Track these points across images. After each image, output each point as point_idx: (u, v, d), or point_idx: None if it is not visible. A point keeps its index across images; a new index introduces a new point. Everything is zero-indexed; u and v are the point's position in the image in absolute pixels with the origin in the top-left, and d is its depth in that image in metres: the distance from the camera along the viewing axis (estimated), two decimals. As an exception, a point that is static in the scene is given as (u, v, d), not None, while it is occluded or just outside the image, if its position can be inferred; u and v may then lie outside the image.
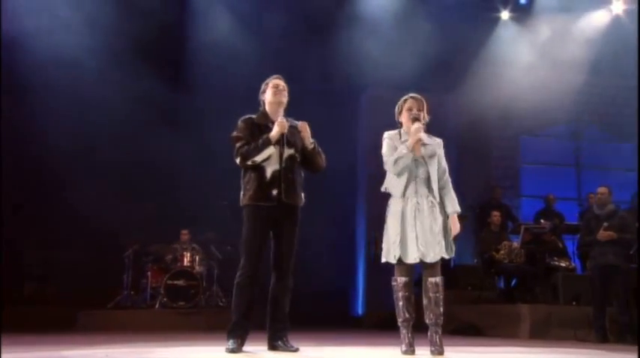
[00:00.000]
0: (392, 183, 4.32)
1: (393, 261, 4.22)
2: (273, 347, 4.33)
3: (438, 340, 4.19)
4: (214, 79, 10.75)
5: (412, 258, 4.17)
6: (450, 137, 12.47)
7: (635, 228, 7.37)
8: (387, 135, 4.42)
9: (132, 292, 9.60)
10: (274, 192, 4.29)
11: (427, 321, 4.27)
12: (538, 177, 11.48)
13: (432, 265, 4.20)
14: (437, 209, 4.23)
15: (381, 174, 4.44)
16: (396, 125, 4.46)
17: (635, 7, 11.61)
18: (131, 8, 9.61)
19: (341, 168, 11.82)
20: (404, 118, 4.40)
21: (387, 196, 4.36)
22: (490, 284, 8.55)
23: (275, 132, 4.30)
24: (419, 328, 4.37)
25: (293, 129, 4.43)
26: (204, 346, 5.07)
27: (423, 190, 4.25)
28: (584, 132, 12.02)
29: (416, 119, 4.31)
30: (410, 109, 4.37)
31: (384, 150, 4.36)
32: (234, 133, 4.44)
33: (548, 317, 7.25)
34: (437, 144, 4.41)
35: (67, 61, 9.26)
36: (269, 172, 4.31)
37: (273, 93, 4.45)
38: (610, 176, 12.13)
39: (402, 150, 4.23)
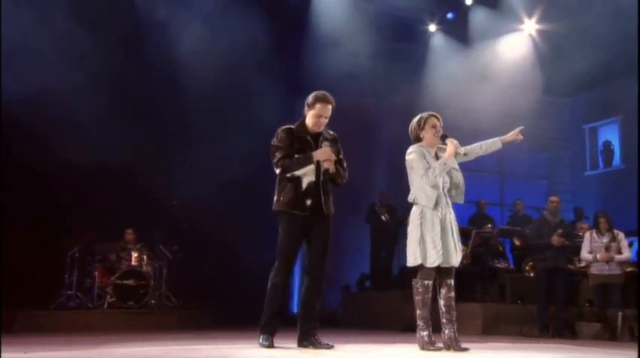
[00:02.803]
0: (423, 195, 4.72)
1: (432, 265, 4.65)
2: (304, 345, 4.63)
3: (456, 336, 4.68)
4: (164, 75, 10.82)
5: (451, 263, 4.69)
6: (384, 143, 13.36)
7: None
8: (414, 149, 4.85)
9: (77, 292, 9.48)
10: (308, 202, 4.62)
11: (444, 320, 4.72)
12: (466, 184, 12.43)
13: (452, 268, 4.75)
14: (455, 218, 4.82)
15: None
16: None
17: (547, 27, 12.98)
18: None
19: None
20: (428, 134, 4.88)
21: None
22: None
23: (318, 157, 4.60)
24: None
25: (330, 142, 4.75)
26: (188, 345, 5.16)
27: (447, 200, 4.79)
28: (510, 144, 13.12)
29: (445, 136, 4.84)
30: (434, 126, 4.87)
31: (417, 163, 4.77)
32: (275, 142, 4.69)
33: (497, 315, 8.10)
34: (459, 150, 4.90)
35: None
36: (305, 183, 4.63)
37: (314, 123, 4.71)
38: (530, 184, 13.47)
39: (443, 164, 4.72)
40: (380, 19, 12.05)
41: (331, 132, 4.86)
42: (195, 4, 10.63)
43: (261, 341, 4.60)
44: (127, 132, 10.40)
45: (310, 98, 4.75)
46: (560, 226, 8.10)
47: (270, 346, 4.55)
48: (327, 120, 4.75)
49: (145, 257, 9.76)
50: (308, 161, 4.61)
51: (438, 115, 4.96)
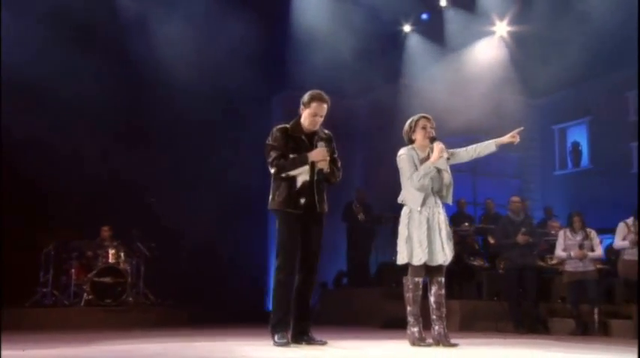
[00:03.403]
0: (410, 197, 4.89)
1: (418, 263, 4.81)
2: (297, 341, 4.70)
3: (445, 333, 4.87)
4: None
5: (437, 261, 4.83)
6: (360, 142, 13.56)
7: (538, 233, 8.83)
8: (404, 151, 4.97)
9: (53, 290, 9.42)
10: (302, 200, 4.68)
11: (434, 316, 4.91)
12: (441, 183, 12.70)
13: (442, 267, 4.91)
14: (446, 218, 4.97)
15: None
16: None
17: (518, 29, 13.32)
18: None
19: (256, 166, 12.32)
20: (418, 135, 5.00)
21: None
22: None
23: (313, 158, 4.65)
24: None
25: (325, 141, 4.79)
26: (183, 342, 5.19)
27: (438, 201, 4.92)
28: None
29: (434, 138, 4.94)
30: (424, 127, 4.98)
31: (405, 165, 4.90)
32: (270, 142, 4.73)
33: (475, 311, 8.35)
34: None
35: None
36: (299, 182, 4.70)
37: (310, 122, 4.76)
38: (501, 183, 13.81)
39: (429, 166, 4.82)
40: (355, 19, 12.23)
41: (326, 131, 4.90)
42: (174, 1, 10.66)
43: (276, 340, 4.55)
44: (104, 128, 10.38)
45: (306, 97, 4.79)
46: (524, 225, 8.38)
47: (288, 344, 4.52)
48: (322, 119, 4.79)
49: (122, 254, 9.76)
50: (303, 162, 4.67)
51: (428, 116, 5.06)
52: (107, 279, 9.36)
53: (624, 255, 7.82)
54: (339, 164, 4.94)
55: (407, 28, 13.65)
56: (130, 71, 10.71)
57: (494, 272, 8.94)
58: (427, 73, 13.14)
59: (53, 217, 10.01)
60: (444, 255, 4.86)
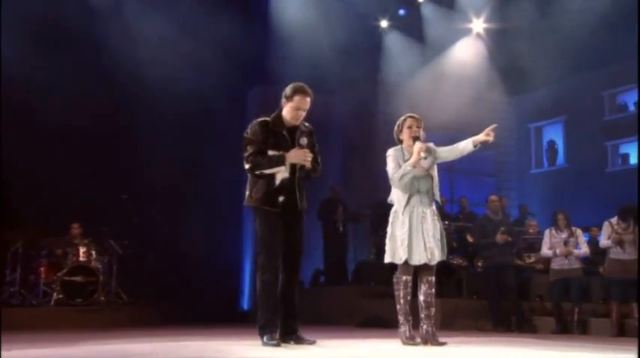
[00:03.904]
0: (395, 197, 4.96)
1: (399, 262, 4.87)
2: (286, 341, 4.64)
3: (433, 331, 4.90)
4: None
5: (417, 260, 4.83)
6: (337, 139, 13.55)
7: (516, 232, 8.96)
8: (391, 151, 5.00)
9: (21, 289, 9.21)
10: (281, 198, 4.60)
11: (422, 315, 4.92)
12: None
13: (431, 266, 4.91)
14: (437, 218, 4.96)
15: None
16: None
17: (492, 26, 13.48)
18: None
19: (229, 163, 12.24)
20: (405, 135, 5.01)
21: None
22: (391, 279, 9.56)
23: (291, 159, 4.55)
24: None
25: (306, 136, 4.73)
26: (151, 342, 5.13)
27: (426, 200, 4.91)
28: (457, 140, 13.57)
29: (417, 138, 4.94)
30: (410, 127, 4.99)
31: (390, 166, 4.96)
32: (248, 135, 4.60)
33: (455, 310, 8.41)
34: (433, 150, 5.03)
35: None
36: (278, 179, 4.60)
37: (292, 116, 4.64)
38: (478, 181, 13.95)
39: (407, 167, 4.84)
40: (333, 14, 12.22)
41: (307, 125, 4.81)
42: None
43: (265, 340, 4.48)
44: (73, 122, 10.18)
45: (288, 90, 4.68)
46: (503, 224, 8.47)
47: (278, 344, 4.45)
48: (305, 113, 4.69)
49: (93, 252, 9.59)
50: (280, 163, 4.55)
51: (415, 116, 5.07)
52: (78, 278, 9.18)
53: (610, 254, 7.95)
54: (319, 159, 4.86)
55: (384, 23, 13.69)
56: (102, 65, 10.55)
57: (473, 271, 9.03)
58: (405, 70, 13.21)
59: (21, 214, 9.77)
60: (430, 254, 4.84)
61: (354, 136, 12.88)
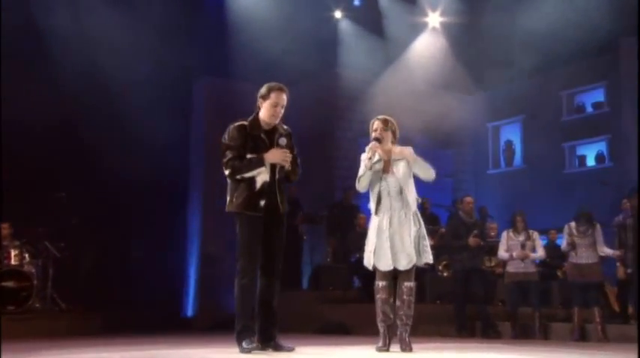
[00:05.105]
0: (370, 201, 5.04)
1: (368, 266, 4.99)
2: (264, 348, 4.63)
3: (407, 338, 4.96)
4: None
5: (384, 266, 4.92)
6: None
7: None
8: (364, 154, 5.02)
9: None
10: (262, 202, 4.66)
11: (398, 322, 5.00)
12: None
13: (405, 272, 4.96)
14: (410, 221, 4.95)
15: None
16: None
17: (449, 20, 13.72)
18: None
19: (173, 160, 12.06)
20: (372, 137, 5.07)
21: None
22: (350, 284, 9.63)
23: (269, 159, 4.62)
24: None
25: (284, 137, 4.77)
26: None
27: (397, 204, 4.94)
28: (415, 139, 13.74)
29: (376, 139, 4.98)
30: (375, 130, 5.04)
31: (360, 169, 5.02)
32: (226, 141, 4.69)
33: (417, 315, 8.45)
34: (408, 154, 5.07)
35: None
36: (259, 182, 4.66)
37: (271, 114, 4.72)
38: (435, 181, 14.13)
39: (361, 169, 4.96)
40: (287, 3, 12.18)
41: (285, 127, 4.89)
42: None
43: (244, 345, 4.51)
44: (5, 116, 9.78)
45: (263, 89, 4.77)
46: (476, 226, 8.65)
47: (258, 347, 4.52)
48: (283, 110, 4.77)
49: (26, 255, 9.22)
50: (259, 164, 4.64)
51: (381, 118, 5.12)
52: (9, 283, 8.79)
53: (569, 258, 8.18)
54: (299, 161, 4.92)
55: (338, 14, 13.71)
56: (39, 55, 10.21)
57: (435, 275, 9.14)
58: (360, 63, 13.25)
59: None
60: (395, 261, 4.91)
61: (309, 131, 12.85)
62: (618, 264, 7.69)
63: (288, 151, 4.71)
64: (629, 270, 7.51)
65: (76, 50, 10.10)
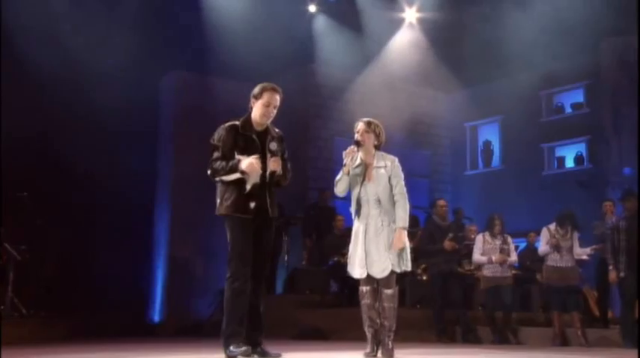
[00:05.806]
0: (352, 205, 5.08)
1: (349, 273, 5.13)
2: (250, 355, 4.61)
3: (389, 344, 4.98)
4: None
5: (357, 274, 5.05)
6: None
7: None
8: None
9: None
10: (252, 204, 4.71)
11: (381, 328, 5.04)
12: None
13: (384, 279, 5.00)
14: (386, 229, 4.99)
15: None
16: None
17: (425, 15, 13.74)
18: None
19: (140, 160, 11.88)
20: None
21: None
22: (327, 288, 9.61)
23: (243, 168, 4.64)
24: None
25: (275, 140, 4.85)
26: None
27: (375, 211, 5.00)
28: (392, 138, 13.74)
29: (357, 142, 5.06)
30: (358, 132, 5.11)
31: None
32: (214, 141, 4.79)
33: (397, 320, 8.45)
34: (390, 162, 5.15)
35: None
36: (249, 185, 4.71)
37: (262, 113, 4.81)
38: (411, 182, 14.16)
39: (340, 174, 5.05)
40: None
41: (277, 130, 4.98)
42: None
43: (232, 349, 4.53)
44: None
45: (256, 89, 4.86)
46: (451, 230, 8.66)
47: (245, 353, 4.53)
48: (275, 111, 4.87)
49: (-16, 258, 9.03)
50: (232, 170, 4.70)
51: (365, 120, 5.19)
52: (-34, 288, 8.63)
53: (548, 262, 8.25)
54: (289, 165, 5.00)
55: (312, 8, 13.62)
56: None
57: (414, 279, 9.15)
58: (336, 59, 13.20)
59: None
60: (370, 268, 4.99)
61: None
62: (611, 267, 7.73)
63: (278, 158, 4.78)
64: (621, 274, 7.55)
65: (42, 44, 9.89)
